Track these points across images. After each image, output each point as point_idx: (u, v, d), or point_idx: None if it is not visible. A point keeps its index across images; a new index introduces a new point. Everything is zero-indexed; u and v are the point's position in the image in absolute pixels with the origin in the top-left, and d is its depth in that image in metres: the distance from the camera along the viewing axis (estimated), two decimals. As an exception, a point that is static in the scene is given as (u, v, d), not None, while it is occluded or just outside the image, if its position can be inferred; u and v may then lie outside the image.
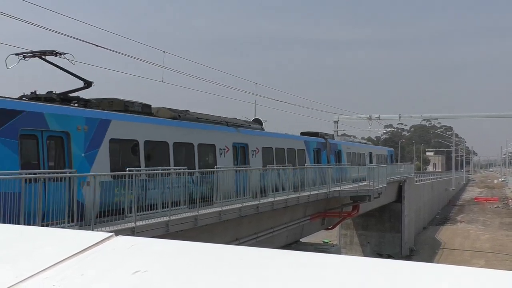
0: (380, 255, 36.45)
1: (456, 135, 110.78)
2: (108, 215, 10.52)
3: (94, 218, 10.20)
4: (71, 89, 13.11)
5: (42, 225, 8.74)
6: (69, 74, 13.05)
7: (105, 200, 10.59)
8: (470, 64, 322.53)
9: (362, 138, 60.54)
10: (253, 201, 16.27)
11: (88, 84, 13.48)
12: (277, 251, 1.51)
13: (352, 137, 63.91)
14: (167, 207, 12.19)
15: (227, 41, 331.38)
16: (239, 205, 15.20)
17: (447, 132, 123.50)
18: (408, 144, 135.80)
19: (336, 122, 47.84)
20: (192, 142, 15.33)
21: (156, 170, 12.81)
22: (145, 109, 14.20)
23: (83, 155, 11.12)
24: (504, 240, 43.81)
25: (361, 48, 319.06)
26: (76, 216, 9.91)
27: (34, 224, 8.72)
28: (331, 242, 34.75)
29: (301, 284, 1.25)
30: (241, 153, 18.21)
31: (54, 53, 12.60)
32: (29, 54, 12.71)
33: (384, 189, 26.91)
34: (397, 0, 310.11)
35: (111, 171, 11.49)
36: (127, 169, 11.69)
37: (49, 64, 12.78)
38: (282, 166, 19.87)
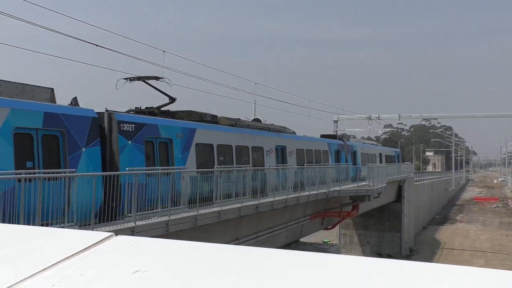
0: (379, 254, 36.44)
1: (456, 135, 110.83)
2: (192, 202, 13.24)
3: (93, 217, 10.22)
4: (157, 104, 16.38)
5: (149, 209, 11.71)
6: (159, 92, 16.53)
7: (193, 190, 13.45)
8: (470, 64, 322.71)
9: (362, 138, 60.58)
10: (253, 201, 16.28)
11: (172, 100, 16.76)
12: (278, 251, 1.51)
13: (352, 137, 63.87)
14: (167, 206, 12.22)
15: (227, 41, 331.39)
16: (239, 205, 15.19)
17: (447, 132, 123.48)
18: (408, 144, 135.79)
19: (335, 122, 47.82)
20: (248, 145, 18.54)
21: (156, 169, 12.96)
22: (213, 119, 17.64)
23: (180, 156, 14.51)
24: (504, 239, 43.84)
25: (361, 48, 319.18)
26: (176, 201, 12.94)
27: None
28: (330, 242, 34.74)
29: (301, 284, 1.25)
30: (281, 154, 21.05)
31: (156, 78, 15.95)
32: (134, 78, 15.89)
33: (384, 189, 26.91)
34: (398, 0, 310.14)
35: (197, 169, 14.74)
36: (127, 168, 11.85)
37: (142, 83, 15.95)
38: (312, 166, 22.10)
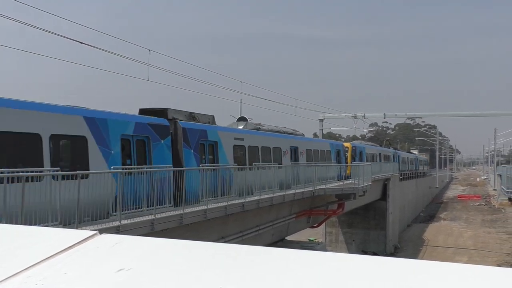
0: (365, 252, 36.72)
1: (440, 134, 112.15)
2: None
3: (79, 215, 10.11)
4: None
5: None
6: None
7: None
8: (454, 64, 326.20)
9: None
10: (239, 199, 16.27)
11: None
12: (265, 249, 1.51)
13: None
14: (153, 205, 12.15)
15: (212, 39, 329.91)
16: (225, 203, 15.18)
17: (431, 131, 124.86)
18: (393, 143, 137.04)
19: (321, 120, 48.05)
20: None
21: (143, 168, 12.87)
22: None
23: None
24: (486, 237, 44.48)
25: (347, 47, 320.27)
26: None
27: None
28: (316, 240, 34.91)
29: (289, 281, 1.25)
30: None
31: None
32: None
33: (369, 187, 27.13)
34: (383, 0, 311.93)
35: None
36: (112, 167, 11.78)
37: None
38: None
